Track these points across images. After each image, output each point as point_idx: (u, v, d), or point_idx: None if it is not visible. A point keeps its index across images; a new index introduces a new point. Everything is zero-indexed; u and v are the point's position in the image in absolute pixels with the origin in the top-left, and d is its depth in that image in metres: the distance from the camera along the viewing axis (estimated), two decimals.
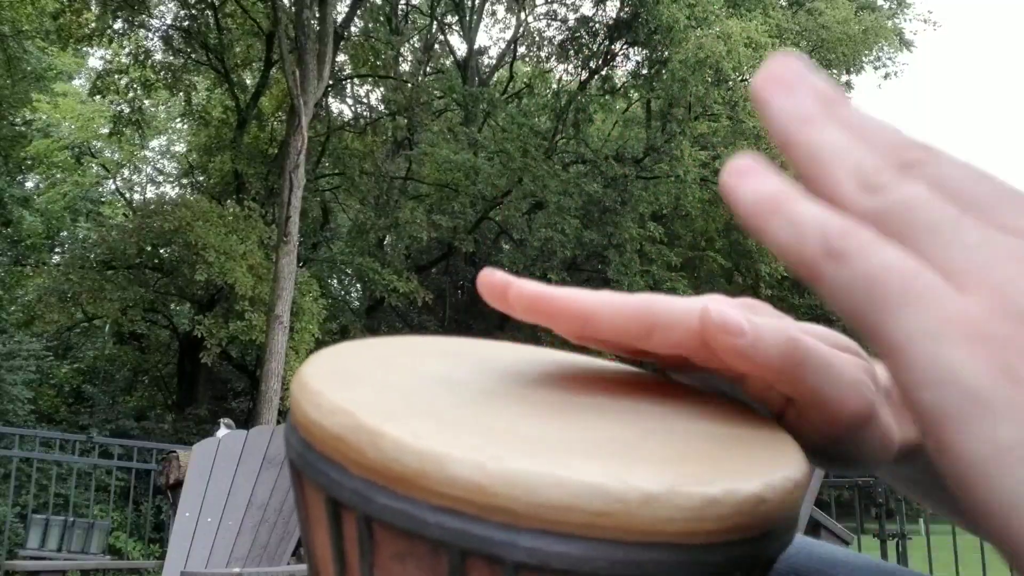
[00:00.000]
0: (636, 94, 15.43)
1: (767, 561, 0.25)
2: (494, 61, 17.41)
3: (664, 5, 12.71)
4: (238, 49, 14.10)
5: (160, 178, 18.37)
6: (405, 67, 16.00)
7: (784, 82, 0.23)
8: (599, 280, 13.49)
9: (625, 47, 14.97)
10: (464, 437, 0.24)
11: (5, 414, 10.27)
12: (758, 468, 0.24)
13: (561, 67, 16.39)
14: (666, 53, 13.19)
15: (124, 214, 15.94)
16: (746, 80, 13.39)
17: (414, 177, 14.99)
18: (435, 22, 16.48)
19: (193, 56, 13.91)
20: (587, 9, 15.41)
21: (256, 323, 10.37)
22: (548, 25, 16.28)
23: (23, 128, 14.98)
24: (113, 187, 17.95)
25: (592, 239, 12.94)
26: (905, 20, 16.18)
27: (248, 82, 14.84)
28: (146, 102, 15.01)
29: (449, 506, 0.22)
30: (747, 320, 0.28)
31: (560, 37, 15.81)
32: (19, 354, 11.26)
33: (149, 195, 17.51)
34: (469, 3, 16.27)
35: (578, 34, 15.35)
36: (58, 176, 16.99)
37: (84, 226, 16.54)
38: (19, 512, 7.64)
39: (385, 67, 14.32)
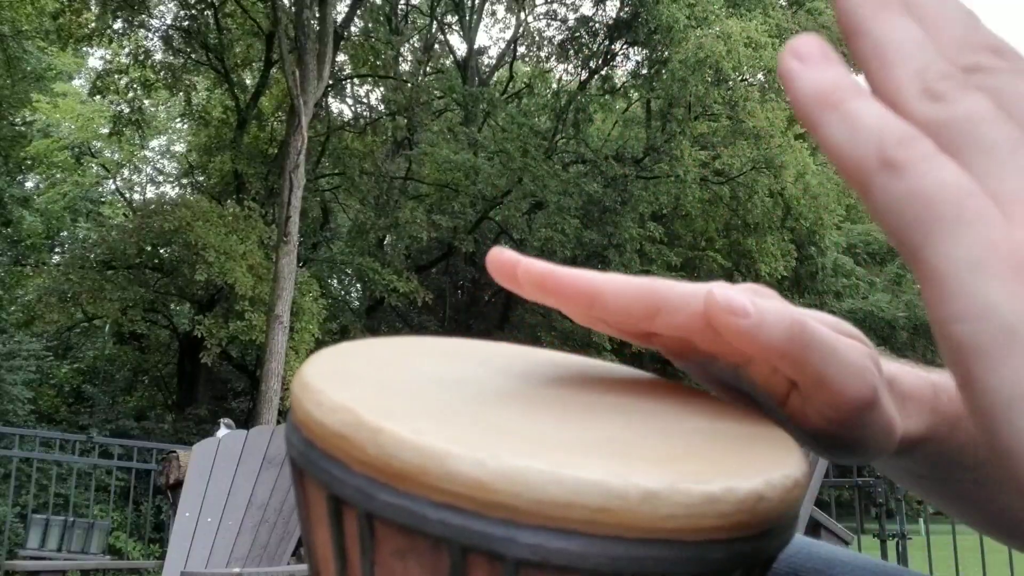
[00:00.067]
0: (636, 94, 15.43)
1: (767, 559, 0.25)
2: (494, 61, 17.42)
3: (664, 5, 12.71)
4: (238, 49, 14.10)
5: (160, 178, 18.38)
6: (405, 67, 15.99)
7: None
8: None
9: (625, 47, 14.97)
10: (465, 434, 0.24)
11: (5, 414, 10.27)
12: (758, 466, 0.24)
13: (561, 67, 16.40)
14: (666, 53, 13.19)
15: (124, 214, 15.94)
16: (746, 80, 13.39)
17: (414, 177, 14.98)
18: (435, 22, 16.48)
19: (193, 56, 13.90)
20: (587, 9, 15.44)
21: (256, 323, 10.37)
22: (548, 25, 16.28)
23: (23, 128, 14.98)
24: (113, 187, 17.95)
25: (592, 239, 12.94)
26: None
27: (248, 82, 14.83)
28: (146, 102, 15.01)
29: (450, 503, 0.22)
30: (751, 302, 0.28)
31: (560, 37, 15.81)
32: (19, 354, 11.27)
33: (149, 195, 17.52)
34: (469, 3, 16.27)
35: (578, 34, 15.35)
36: (58, 176, 16.99)
37: (84, 226, 16.54)
38: (19, 512, 7.64)
39: (385, 67, 14.32)
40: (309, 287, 11.47)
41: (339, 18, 12.40)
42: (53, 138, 15.99)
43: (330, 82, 12.12)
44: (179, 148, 18.45)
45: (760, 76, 13.39)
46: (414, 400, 0.27)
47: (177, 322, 14.66)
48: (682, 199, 13.13)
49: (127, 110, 14.04)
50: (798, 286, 15.59)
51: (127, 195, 17.96)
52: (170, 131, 18.50)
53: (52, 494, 7.39)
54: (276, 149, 13.67)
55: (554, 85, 16.62)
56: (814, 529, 3.98)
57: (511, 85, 16.74)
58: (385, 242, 14.70)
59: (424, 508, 0.22)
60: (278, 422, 8.76)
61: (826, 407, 0.30)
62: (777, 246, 13.84)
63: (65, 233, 17.33)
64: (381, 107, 15.65)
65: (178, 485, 3.73)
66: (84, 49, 15.17)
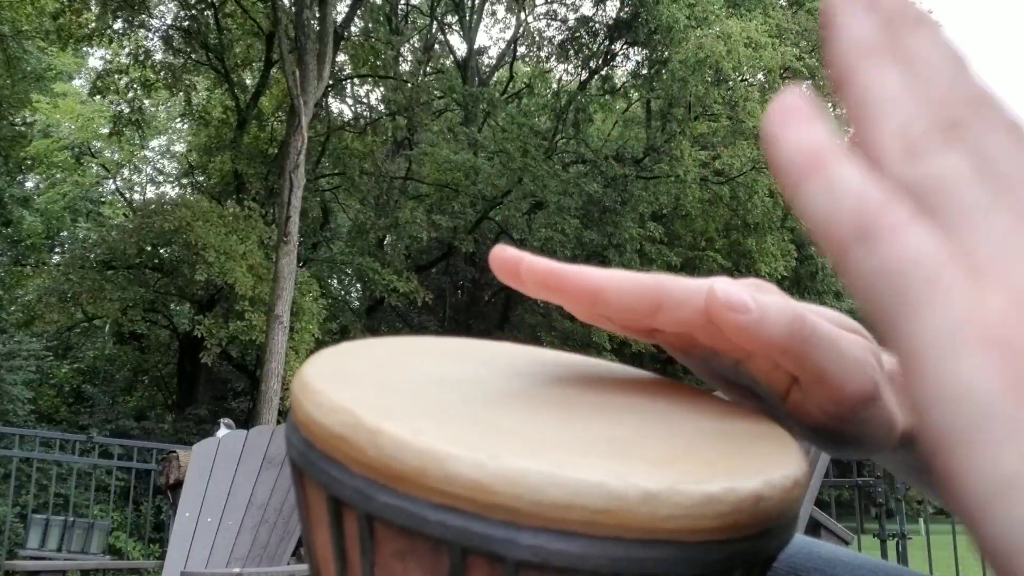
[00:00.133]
0: (636, 94, 15.43)
1: (767, 559, 0.25)
2: (494, 61, 17.42)
3: (664, 5, 12.71)
4: (238, 49, 14.10)
5: (160, 178, 18.38)
6: (405, 67, 15.99)
7: (785, 119, 0.21)
8: None
9: (625, 47, 14.97)
10: (465, 435, 0.24)
11: (5, 414, 10.27)
12: (757, 466, 0.24)
13: (561, 67, 16.40)
14: (666, 53, 13.19)
15: (124, 214, 15.94)
16: (746, 80, 13.39)
17: (414, 177, 14.98)
18: (435, 22, 16.48)
19: (193, 56, 13.90)
20: (587, 9, 15.45)
21: (256, 323, 10.37)
22: (548, 25, 16.29)
23: (23, 128, 14.98)
24: (113, 187, 17.95)
25: (592, 239, 12.94)
26: None
27: (248, 82, 14.84)
28: (146, 102, 15.01)
29: (450, 504, 0.22)
30: (752, 298, 0.28)
31: (560, 37, 15.81)
32: (19, 354, 11.27)
33: (149, 195, 17.52)
34: (469, 3, 16.27)
35: (578, 34, 15.35)
36: (58, 176, 16.99)
37: (84, 226, 16.54)
38: (19, 512, 7.64)
39: (385, 67, 14.32)
40: (309, 287, 11.47)
41: (339, 18, 12.40)
42: (53, 138, 15.99)
43: (330, 82, 12.12)
44: (179, 148, 18.46)
45: (760, 76, 13.38)
46: (414, 401, 0.27)
47: (177, 322, 14.66)
48: (682, 199, 13.13)
49: (127, 110, 14.04)
50: (798, 286, 15.58)
51: (127, 195, 17.97)
52: (170, 131, 18.51)
53: (52, 494, 7.38)
54: (276, 149, 13.67)
55: (554, 85, 16.63)
56: (814, 529, 3.98)
57: (511, 85, 16.74)
58: (385, 242, 14.71)
59: (424, 510, 0.22)
60: (278, 422, 8.76)
61: (827, 402, 0.31)
62: (777, 246, 13.84)
63: (65, 233, 17.33)
64: (381, 107, 15.65)
65: (178, 485, 3.73)
66: (84, 49, 15.16)
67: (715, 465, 0.24)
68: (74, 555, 6.38)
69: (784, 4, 15.32)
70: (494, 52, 18.73)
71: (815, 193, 0.19)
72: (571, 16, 15.61)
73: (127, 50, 13.78)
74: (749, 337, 0.28)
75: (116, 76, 13.80)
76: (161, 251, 12.73)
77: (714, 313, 0.28)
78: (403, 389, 0.28)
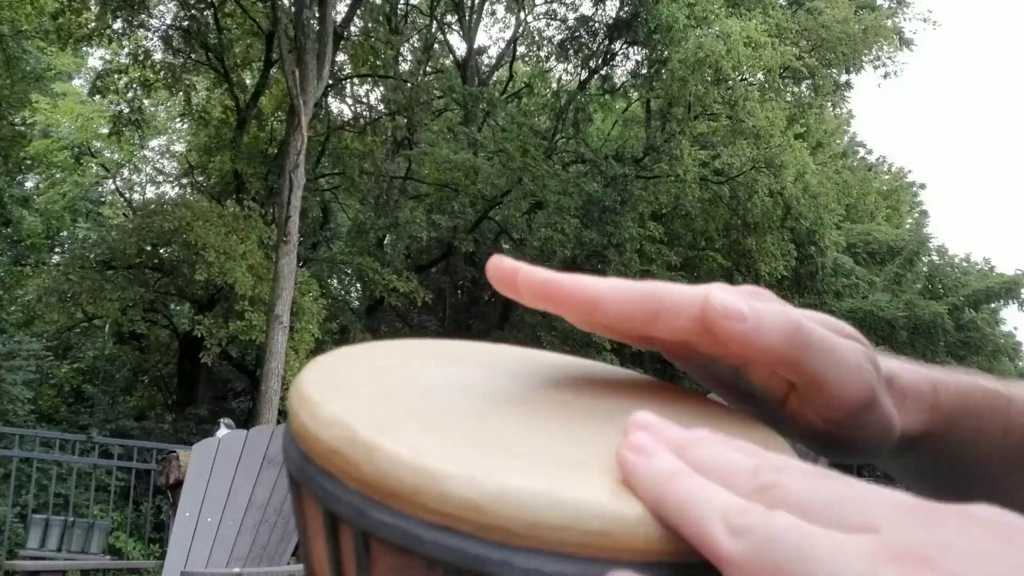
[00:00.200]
0: (636, 94, 15.43)
1: None
2: (494, 61, 17.41)
3: (664, 4, 12.70)
4: (238, 49, 14.09)
5: (160, 178, 18.36)
6: (405, 67, 15.98)
7: (642, 448, 0.23)
8: None
9: (625, 47, 14.96)
10: (461, 452, 0.23)
11: (5, 414, 10.27)
12: None
13: (561, 67, 16.40)
14: (666, 52, 13.18)
15: (124, 214, 15.93)
16: (746, 79, 13.38)
17: (414, 177, 14.98)
18: (435, 22, 16.47)
19: (193, 56, 13.90)
20: (587, 9, 15.42)
21: (256, 323, 10.37)
22: (548, 25, 16.28)
23: (23, 128, 14.97)
24: (113, 187, 17.94)
25: (592, 239, 12.94)
26: (905, 19, 16.18)
27: (248, 82, 14.83)
28: (146, 102, 14.99)
29: (445, 524, 0.22)
30: (748, 306, 0.28)
31: (560, 37, 15.80)
32: (19, 354, 11.26)
33: (149, 195, 17.50)
34: (469, 3, 16.27)
35: (578, 34, 15.35)
36: (58, 176, 16.98)
37: (84, 226, 16.53)
38: (19, 512, 7.63)
39: (385, 67, 14.31)
40: (309, 287, 11.46)
41: (339, 18, 12.40)
42: (53, 138, 15.98)
43: (330, 82, 12.12)
44: (179, 148, 18.44)
45: (760, 75, 13.38)
46: (412, 413, 0.27)
47: (177, 322, 14.65)
48: (682, 199, 13.12)
49: (127, 110, 14.03)
50: (798, 286, 15.58)
51: (127, 195, 17.96)
52: (170, 131, 18.50)
53: (52, 494, 7.39)
54: (276, 149, 13.67)
55: (554, 85, 16.62)
56: None
57: (511, 85, 16.73)
58: (385, 242, 14.70)
59: (418, 528, 0.22)
60: (278, 422, 8.76)
61: (825, 407, 0.31)
62: (777, 246, 13.84)
63: (65, 233, 17.32)
64: (381, 107, 15.64)
65: (178, 485, 3.73)
66: (84, 49, 15.16)
67: None
68: (74, 555, 6.38)
69: (784, 3, 15.31)
70: (494, 52, 18.72)
71: (679, 511, 0.21)
72: (571, 16, 15.61)
73: (127, 50, 13.78)
74: (746, 345, 0.29)
75: (116, 76, 13.79)
76: (161, 251, 12.72)
77: (711, 322, 0.28)
78: (401, 400, 0.28)
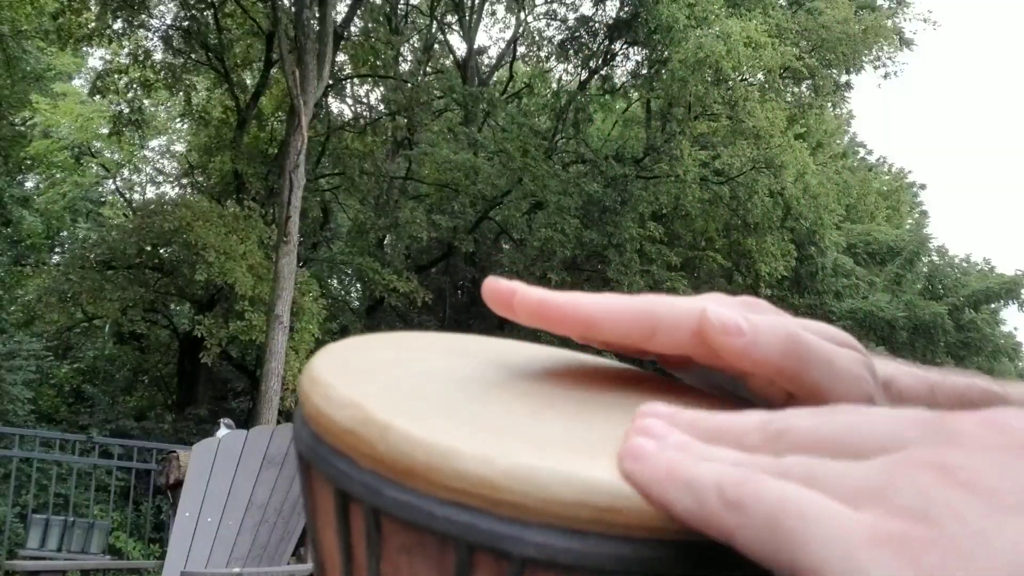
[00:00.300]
0: (636, 94, 15.43)
1: None
2: (494, 61, 17.41)
3: (664, 5, 12.70)
4: (238, 49, 14.09)
5: (160, 178, 18.37)
6: (405, 67, 15.99)
7: (650, 430, 0.24)
8: (599, 279, 13.48)
9: (625, 47, 14.96)
10: (473, 432, 0.24)
11: (5, 414, 10.27)
12: None
13: (561, 67, 16.40)
14: (666, 53, 13.18)
15: (124, 214, 15.93)
16: (746, 80, 13.38)
17: (414, 177, 14.98)
18: (435, 22, 16.47)
19: (193, 56, 13.90)
20: (587, 9, 15.42)
21: (256, 323, 10.37)
22: (548, 25, 16.28)
23: (23, 128, 14.97)
24: (113, 187, 17.94)
25: (592, 239, 12.93)
26: (905, 20, 16.18)
27: (248, 82, 14.83)
28: (146, 102, 14.99)
29: (457, 500, 0.22)
30: (745, 320, 0.29)
31: (560, 37, 15.81)
32: (19, 354, 11.26)
33: (149, 195, 17.50)
34: (469, 3, 16.27)
35: (578, 34, 15.35)
36: (58, 176, 16.98)
37: (84, 226, 16.54)
38: (19, 512, 7.63)
39: (385, 67, 14.31)
40: (309, 287, 11.46)
41: (339, 18, 12.40)
42: (53, 138, 15.98)
43: (330, 82, 12.12)
44: (179, 148, 18.45)
45: (760, 76, 13.38)
46: (423, 397, 0.27)
47: (177, 322, 14.65)
48: (682, 199, 13.12)
49: (127, 110, 14.03)
50: (798, 286, 15.58)
51: (127, 195, 17.96)
52: (170, 131, 18.50)
53: (52, 494, 7.38)
54: (276, 149, 13.67)
55: (554, 85, 16.62)
56: None
57: (511, 85, 16.73)
58: (385, 242, 14.70)
59: (431, 505, 0.22)
60: (278, 422, 8.76)
61: None
62: (777, 246, 13.83)
63: (65, 233, 17.32)
64: (381, 107, 15.64)
65: (178, 485, 3.73)
66: (84, 49, 15.15)
67: None
68: (74, 555, 6.38)
69: (784, 3, 15.31)
70: (494, 52, 18.72)
71: (677, 494, 0.21)
72: (571, 16, 15.61)
73: (127, 50, 13.77)
74: (744, 359, 0.29)
75: (116, 76, 13.79)
76: (161, 251, 12.71)
77: (708, 337, 0.29)
78: (413, 385, 0.28)
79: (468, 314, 15.47)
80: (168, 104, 17.20)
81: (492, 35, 50.73)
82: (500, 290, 0.31)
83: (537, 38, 16.38)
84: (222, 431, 4.54)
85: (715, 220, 13.91)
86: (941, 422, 0.21)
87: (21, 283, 14.89)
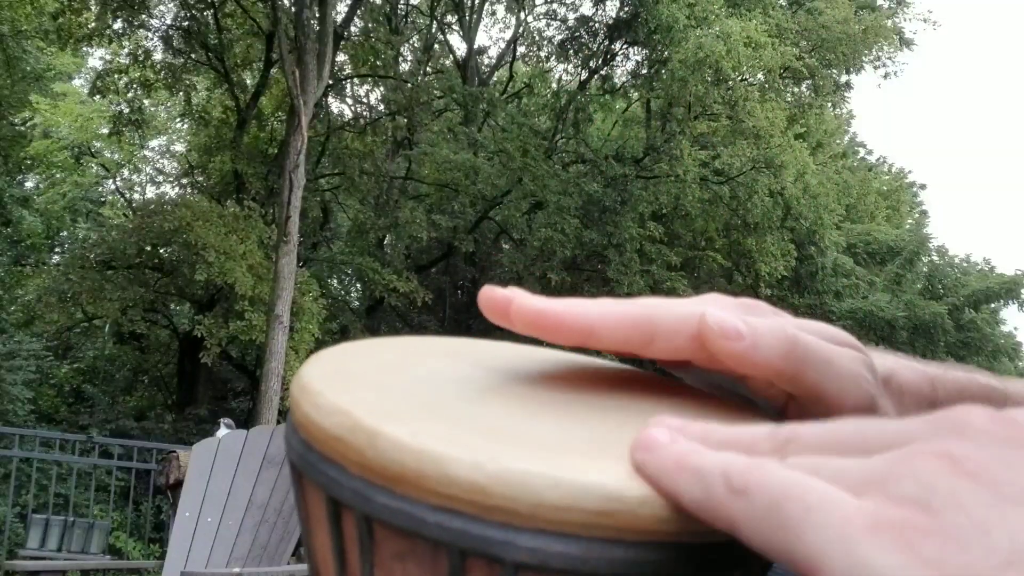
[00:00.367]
0: (636, 94, 15.43)
1: (767, 559, 0.25)
2: (494, 61, 17.41)
3: (664, 5, 12.69)
4: (238, 49, 14.09)
5: (160, 178, 18.37)
6: (405, 67, 15.98)
7: (659, 435, 0.24)
8: (599, 279, 13.48)
9: (625, 47, 14.96)
10: (463, 437, 0.24)
11: (5, 414, 10.27)
12: None
13: (561, 67, 16.39)
14: (666, 53, 13.18)
15: (124, 214, 15.93)
16: (746, 80, 13.38)
17: (414, 177, 14.98)
18: (435, 22, 16.47)
19: (193, 56, 13.89)
20: (587, 9, 15.42)
21: (256, 323, 10.37)
22: (548, 25, 16.28)
23: (23, 128, 14.97)
24: (113, 187, 17.94)
25: (592, 239, 12.93)
26: (905, 20, 16.18)
27: (248, 82, 14.83)
28: (146, 102, 14.99)
29: (448, 506, 0.22)
30: (744, 323, 0.29)
31: (560, 37, 15.80)
32: (19, 354, 11.26)
33: (149, 195, 17.51)
34: (469, 3, 16.27)
35: (578, 34, 15.34)
36: (58, 176, 16.98)
37: (84, 226, 16.53)
38: (19, 512, 7.63)
39: (385, 67, 14.31)
40: (309, 287, 11.46)
41: (339, 18, 12.40)
42: (53, 138, 15.98)
43: (330, 82, 12.11)
44: (179, 148, 18.45)
45: (760, 76, 13.38)
46: (413, 402, 0.27)
47: (177, 322, 14.65)
48: (682, 199, 13.12)
49: (127, 110, 14.03)
50: (798, 286, 15.58)
51: (127, 195, 17.96)
52: (170, 131, 18.50)
53: (52, 494, 7.38)
54: (276, 149, 13.67)
55: (554, 85, 16.62)
56: None
57: (511, 85, 16.73)
58: (385, 242, 14.70)
59: (422, 511, 0.22)
60: (278, 422, 8.76)
61: (823, 417, 0.31)
62: (777, 246, 13.83)
63: (65, 233, 17.32)
64: (381, 107, 15.64)
65: (178, 485, 3.73)
66: (84, 49, 15.15)
67: None
68: (74, 555, 6.38)
69: (784, 3, 15.31)
70: (494, 52, 18.73)
71: (686, 483, 0.22)
72: (571, 16, 15.61)
73: (127, 50, 13.77)
74: (744, 363, 0.29)
75: (116, 76, 13.78)
76: (161, 251, 12.71)
77: (708, 342, 0.29)
78: (403, 391, 0.28)
79: (468, 314, 15.46)
80: (168, 104, 17.20)
81: (492, 35, 50.78)
82: (496, 299, 0.30)
83: (537, 38, 16.39)
84: (222, 431, 4.54)
85: (715, 220, 13.90)
86: (950, 415, 0.21)
87: (21, 283, 14.89)
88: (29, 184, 17.07)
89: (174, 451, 4.28)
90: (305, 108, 9.89)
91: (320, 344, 11.08)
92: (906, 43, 16.08)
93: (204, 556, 3.37)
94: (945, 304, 16.06)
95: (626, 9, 14.28)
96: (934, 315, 15.47)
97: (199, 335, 10.97)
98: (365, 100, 16.39)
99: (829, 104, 16.87)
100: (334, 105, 15.62)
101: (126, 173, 18.19)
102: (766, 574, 0.26)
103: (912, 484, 0.19)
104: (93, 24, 12.60)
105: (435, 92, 14.92)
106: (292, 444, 0.27)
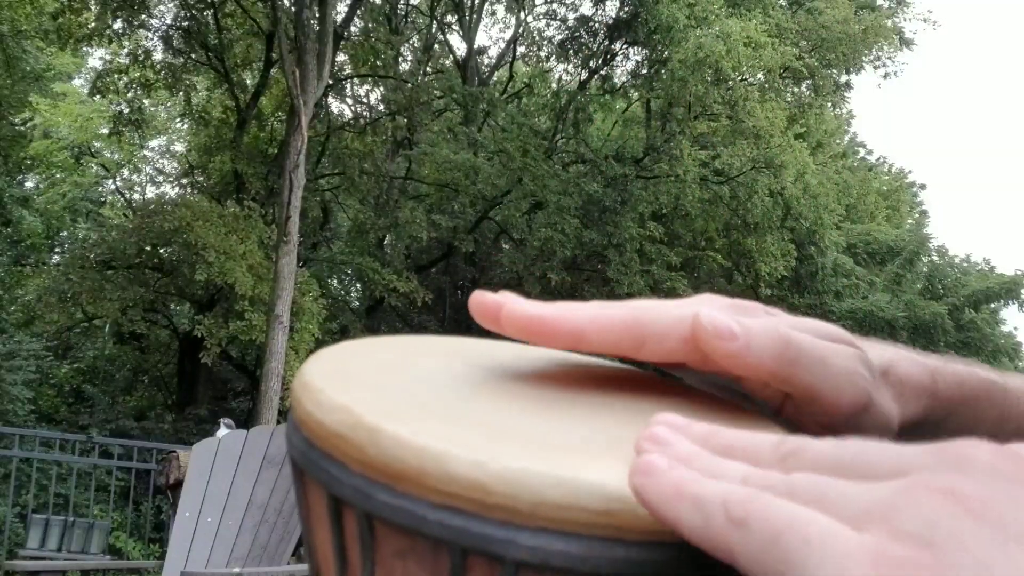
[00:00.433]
0: (636, 94, 15.43)
1: None
2: (494, 61, 17.41)
3: (664, 5, 12.70)
4: (238, 49, 14.09)
5: (160, 178, 18.37)
6: (405, 67, 15.99)
7: (657, 439, 0.24)
8: (599, 279, 13.48)
9: (625, 47, 14.96)
10: (464, 435, 0.24)
11: (5, 414, 10.27)
12: None
13: (561, 67, 16.39)
14: (666, 53, 13.18)
15: (124, 214, 15.93)
16: (746, 80, 13.38)
17: (414, 177, 14.98)
18: (435, 22, 16.47)
19: (193, 56, 13.89)
20: (587, 9, 15.42)
21: (256, 323, 10.37)
22: (548, 25, 16.28)
23: (23, 128, 14.97)
24: (113, 187, 17.94)
25: (592, 239, 12.93)
26: (905, 19, 16.18)
27: (248, 82, 14.83)
28: (146, 102, 14.99)
29: (449, 504, 0.22)
30: (738, 324, 0.29)
31: (560, 37, 15.80)
32: (19, 354, 11.26)
33: (149, 195, 17.50)
34: (469, 3, 16.27)
35: (578, 34, 15.35)
36: (58, 176, 16.98)
37: (84, 226, 16.53)
38: (19, 512, 7.63)
39: (385, 67, 14.31)
40: (309, 287, 11.46)
41: (339, 18, 12.40)
42: (53, 138, 15.98)
43: (330, 82, 12.12)
44: (179, 148, 18.45)
45: (760, 76, 13.38)
46: (414, 400, 0.27)
47: (177, 322, 14.65)
48: (682, 199, 13.12)
49: (127, 110, 14.03)
50: (798, 286, 15.58)
51: (127, 195, 17.96)
52: (170, 131, 18.50)
53: (52, 494, 7.38)
54: (276, 149, 13.67)
55: (554, 85, 16.62)
56: None
57: (511, 85, 16.73)
58: (385, 242, 14.70)
59: (423, 509, 0.22)
60: (278, 422, 8.76)
61: (820, 415, 0.31)
62: (777, 246, 13.83)
63: (65, 233, 17.32)
64: (381, 107, 15.64)
65: (178, 485, 3.73)
66: (84, 49, 15.15)
67: None
68: (74, 555, 6.38)
69: (784, 3, 15.31)
70: (494, 52, 18.72)
71: (685, 511, 0.21)
72: (571, 16, 15.61)
73: (127, 50, 13.77)
74: (737, 363, 0.29)
75: (116, 76, 13.78)
76: (161, 251, 12.71)
77: (701, 342, 0.29)
78: (404, 389, 0.28)
79: (468, 314, 15.37)
80: (168, 104, 17.20)
81: (492, 35, 50.76)
82: (487, 304, 0.31)
83: (537, 38, 16.38)
84: (222, 431, 4.54)
85: (715, 220, 13.90)
86: (954, 448, 0.20)
87: (21, 283, 14.89)
88: (29, 184, 17.07)
89: (174, 451, 4.28)
90: (305, 108, 9.89)
91: (320, 344, 11.07)
92: (906, 43, 16.08)
93: (204, 556, 3.37)
94: (945, 304, 16.07)
95: (626, 9, 14.28)
96: (934, 315, 15.47)
97: (199, 335, 10.97)
98: (365, 100, 16.40)
99: (829, 104, 16.87)
100: (334, 105, 15.64)
101: (126, 173, 18.20)
102: None
103: (915, 520, 0.18)
104: (93, 24, 12.60)
105: (435, 92, 14.92)
106: (293, 442, 0.27)
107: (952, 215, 71.76)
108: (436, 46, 16.67)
